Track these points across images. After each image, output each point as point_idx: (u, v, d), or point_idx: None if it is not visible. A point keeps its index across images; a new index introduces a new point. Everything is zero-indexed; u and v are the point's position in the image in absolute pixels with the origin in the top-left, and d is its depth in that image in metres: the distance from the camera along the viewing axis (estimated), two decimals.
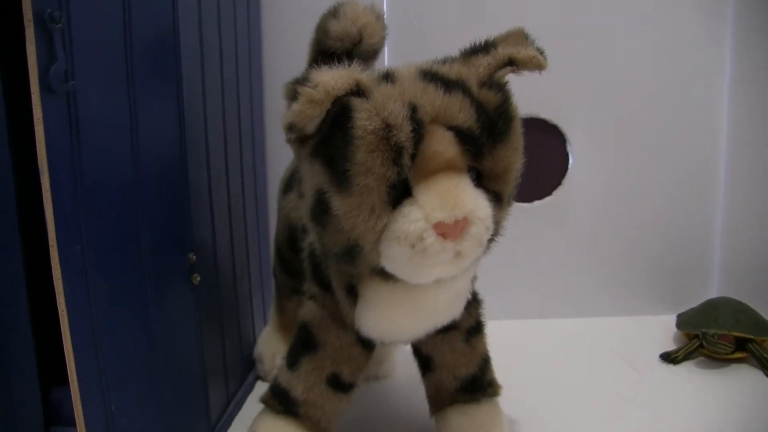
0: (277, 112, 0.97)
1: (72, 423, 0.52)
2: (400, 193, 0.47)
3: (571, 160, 1.02)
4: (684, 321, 0.92)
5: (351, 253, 0.49)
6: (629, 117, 1.00)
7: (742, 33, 0.98)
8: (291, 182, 0.74)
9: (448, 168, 0.47)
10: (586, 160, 1.02)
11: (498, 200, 0.50)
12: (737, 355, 0.83)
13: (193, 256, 0.62)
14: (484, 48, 0.51)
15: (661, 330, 0.96)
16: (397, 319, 0.56)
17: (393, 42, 0.89)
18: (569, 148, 1.01)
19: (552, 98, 0.98)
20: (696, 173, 1.02)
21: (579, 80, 0.98)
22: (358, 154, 0.45)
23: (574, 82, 0.98)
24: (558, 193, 1.02)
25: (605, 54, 0.98)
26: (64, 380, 0.51)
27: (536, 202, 1.02)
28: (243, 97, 0.83)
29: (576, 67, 0.97)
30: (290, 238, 0.73)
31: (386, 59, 0.90)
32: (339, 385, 0.61)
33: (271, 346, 0.81)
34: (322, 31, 0.66)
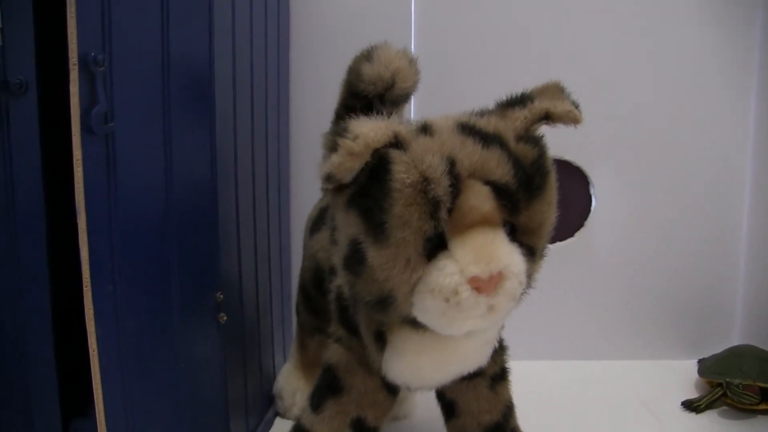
0: (302, 147, 0.98)
1: None
2: (436, 246, 0.47)
3: (594, 203, 1.02)
4: (707, 368, 0.90)
5: (384, 303, 0.49)
6: (653, 159, 1.00)
7: None
8: (319, 222, 0.73)
9: (484, 222, 0.47)
10: (609, 203, 1.02)
11: (531, 254, 0.50)
12: (762, 406, 0.81)
13: (220, 295, 0.62)
14: (521, 101, 0.51)
15: (683, 375, 0.95)
16: (424, 366, 0.55)
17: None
18: (592, 190, 1.02)
19: (576, 140, 0.97)
20: (720, 218, 1.02)
21: (603, 122, 0.98)
22: (396, 206, 0.45)
23: (598, 124, 0.98)
24: (580, 234, 1.02)
25: (629, 96, 0.99)
26: (84, 412, 0.51)
27: (558, 244, 1.02)
28: (271, 132, 0.84)
29: (600, 110, 0.97)
30: (316, 278, 0.73)
31: (411, 100, 0.91)
32: (363, 429, 0.60)
33: (291, 383, 0.81)
34: (354, 73, 0.65)
